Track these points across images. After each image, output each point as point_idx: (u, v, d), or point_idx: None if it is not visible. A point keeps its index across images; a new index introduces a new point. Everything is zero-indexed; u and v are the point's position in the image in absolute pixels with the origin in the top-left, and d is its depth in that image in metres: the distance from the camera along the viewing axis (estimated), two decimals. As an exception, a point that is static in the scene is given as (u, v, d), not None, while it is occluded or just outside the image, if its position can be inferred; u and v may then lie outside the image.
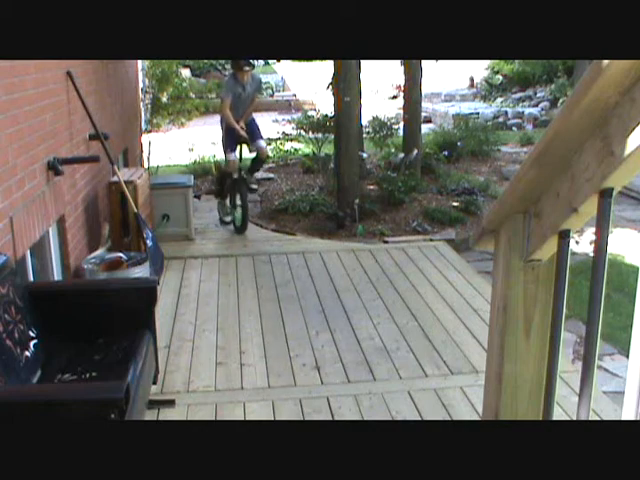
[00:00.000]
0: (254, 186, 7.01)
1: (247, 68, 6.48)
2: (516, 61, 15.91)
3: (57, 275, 4.28)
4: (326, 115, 8.78)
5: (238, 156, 6.66)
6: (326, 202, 7.47)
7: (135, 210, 5.04)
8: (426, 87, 9.75)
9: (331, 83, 7.76)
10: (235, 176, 6.66)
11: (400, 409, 3.43)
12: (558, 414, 1.52)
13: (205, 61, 16.93)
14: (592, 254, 1.13)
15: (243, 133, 6.49)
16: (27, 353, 2.89)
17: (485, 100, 16.24)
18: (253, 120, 6.81)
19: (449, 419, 3.32)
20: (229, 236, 6.68)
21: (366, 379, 3.78)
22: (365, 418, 3.34)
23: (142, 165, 8.13)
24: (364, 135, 9.26)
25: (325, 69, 9.22)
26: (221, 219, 7.11)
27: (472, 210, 7.58)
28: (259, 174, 9.53)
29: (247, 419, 3.35)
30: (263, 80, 18.05)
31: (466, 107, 14.72)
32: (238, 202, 6.73)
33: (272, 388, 3.70)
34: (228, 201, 6.98)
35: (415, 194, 7.92)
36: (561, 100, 14.00)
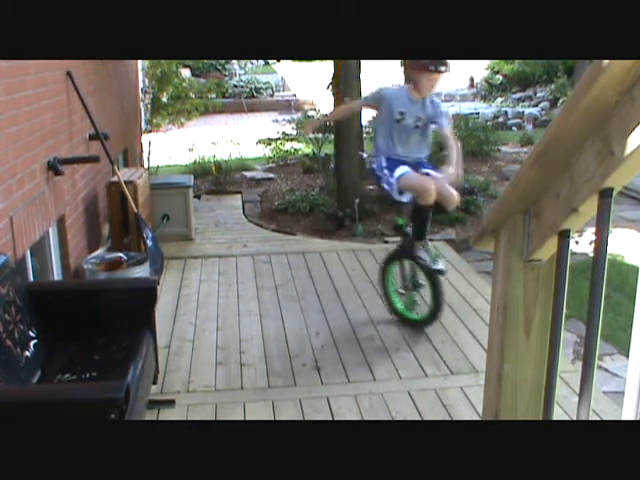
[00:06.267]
0: (440, 266, 4.09)
1: (443, 68, 3.90)
2: (516, 61, 15.91)
3: (57, 275, 4.28)
4: (326, 115, 8.78)
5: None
6: (326, 202, 7.46)
7: (135, 210, 5.04)
8: (426, 87, 9.73)
9: (331, 83, 7.75)
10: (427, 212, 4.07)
11: (400, 409, 3.43)
12: (558, 414, 1.52)
13: (205, 61, 16.92)
14: (592, 254, 1.13)
15: (312, 126, 4.35)
16: (27, 353, 2.89)
17: (485, 100, 16.24)
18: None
19: (449, 419, 3.32)
20: (229, 236, 6.67)
21: (366, 379, 3.78)
22: (365, 418, 3.34)
23: (142, 165, 8.13)
24: (364, 135, 9.26)
25: (325, 69, 9.21)
26: (390, 293, 4.45)
27: (472, 210, 7.57)
28: (259, 174, 9.56)
29: (247, 419, 3.35)
30: (263, 80, 18.21)
31: (466, 107, 14.71)
32: (420, 278, 4.28)
33: (272, 388, 3.69)
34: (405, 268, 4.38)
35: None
36: (561, 100, 13.99)
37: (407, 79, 4.13)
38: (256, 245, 6.30)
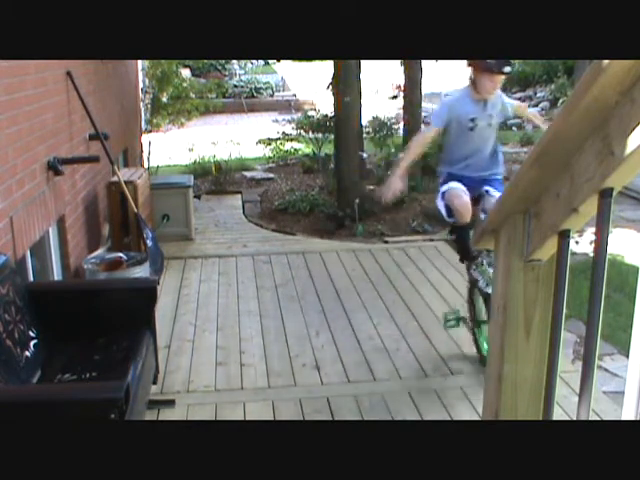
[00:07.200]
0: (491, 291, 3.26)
1: (507, 69, 3.64)
2: (516, 61, 15.91)
3: (57, 275, 4.28)
4: (326, 115, 8.78)
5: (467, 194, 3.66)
6: (326, 202, 7.46)
7: (135, 210, 5.04)
8: (426, 87, 9.74)
9: (331, 83, 7.75)
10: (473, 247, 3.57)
11: (400, 409, 3.43)
12: (558, 414, 1.52)
13: (205, 61, 16.92)
14: (592, 254, 1.13)
15: (397, 186, 3.71)
16: (27, 353, 2.89)
17: (485, 100, 16.21)
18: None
19: (449, 419, 3.31)
20: (229, 236, 6.67)
21: (366, 379, 3.78)
22: (365, 418, 3.34)
23: (142, 165, 8.13)
24: (364, 135, 9.26)
25: (325, 69, 9.22)
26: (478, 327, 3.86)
27: (472, 210, 7.56)
28: (259, 174, 9.56)
29: (247, 419, 3.35)
30: (263, 80, 18.21)
31: (466, 107, 14.67)
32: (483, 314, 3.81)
33: (272, 388, 3.69)
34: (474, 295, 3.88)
35: (415, 194, 7.92)
36: (561, 100, 13.99)
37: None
38: (256, 245, 6.31)
